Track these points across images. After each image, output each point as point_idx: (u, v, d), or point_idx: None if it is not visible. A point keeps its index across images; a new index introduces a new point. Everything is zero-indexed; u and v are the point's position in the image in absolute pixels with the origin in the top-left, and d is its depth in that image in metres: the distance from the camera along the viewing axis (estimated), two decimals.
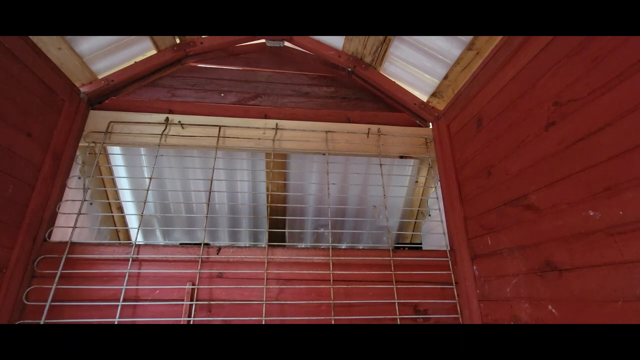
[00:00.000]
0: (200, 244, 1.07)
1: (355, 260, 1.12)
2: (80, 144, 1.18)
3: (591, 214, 0.65)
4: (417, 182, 1.83)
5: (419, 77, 1.34)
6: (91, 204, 1.55)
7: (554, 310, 0.73)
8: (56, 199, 1.09)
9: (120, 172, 1.61)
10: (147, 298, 0.99)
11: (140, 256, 1.03)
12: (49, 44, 1.04)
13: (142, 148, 1.58)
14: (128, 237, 1.91)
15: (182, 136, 1.25)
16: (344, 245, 2.02)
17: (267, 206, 1.27)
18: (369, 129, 1.36)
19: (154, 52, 1.34)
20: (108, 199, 1.71)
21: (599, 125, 0.64)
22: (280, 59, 1.54)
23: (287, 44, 1.50)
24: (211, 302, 1.01)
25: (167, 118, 1.26)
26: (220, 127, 1.28)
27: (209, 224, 1.94)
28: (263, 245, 1.11)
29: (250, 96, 1.43)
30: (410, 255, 1.15)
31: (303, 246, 1.79)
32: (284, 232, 1.99)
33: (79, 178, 1.20)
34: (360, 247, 2.04)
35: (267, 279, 1.06)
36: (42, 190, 1.02)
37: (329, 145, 1.32)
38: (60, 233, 1.10)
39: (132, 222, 1.88)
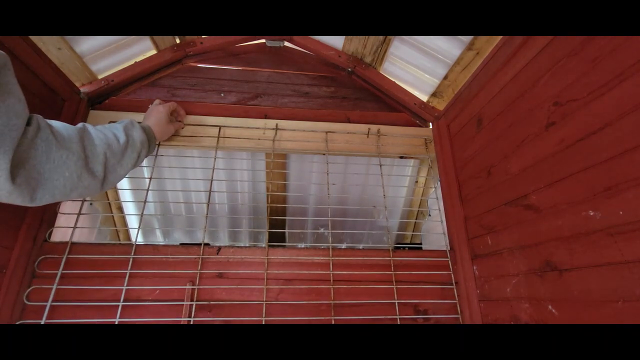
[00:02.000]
0: (200, 244, 1.07)
1: (356, 261, 1.12)
2: None
3: (591, 214, 0.65)
4: (417, 182, 1.83)
5: (419, 77, 1.35)
6: (91, 204, 1.55)
7: (554, 310, 0.73)
8: None
9: None
10: (147, 298, 0.99)
11: (140, 256, 1.03)
12: (49, 44, 1.04)
13: None
14: (128, 237, 1.91)
15: (182, 136, 1.25)
16: (344, 246, 2.02)
17: (267, 206, 1.27)
18: (369, 129, 1.36)
19: (154, 52, 1.34)
20: (108, 199, 1.71)
21: (599, 125, 0.64)
22: (280, 59, 1.54)
23: (287, 44, 1.50)
24: (211, 302, 1.01)
25: None
26: (220, 127, 1.28)
27: (209, 224, 1.94)
28: (263, 246, 1.11)
29: (250, 96, 1.43)
30: (410, 256, 1.15)
31: (303, 246, 1.79)
32: (284, 232, 1.99)
33: None
34: (361, 247, 2.05)
35: (267, 279, 1.06)
36: None
37: (329, 145, 1.32)
38: (61, 233, 1.10)
39: (132, 222, 1.88)
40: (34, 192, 0.60)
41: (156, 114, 1.09)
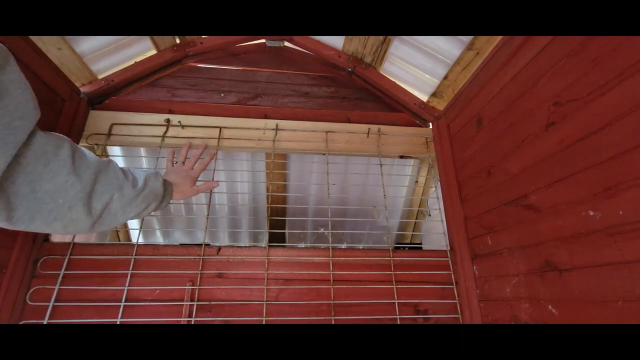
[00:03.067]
0: (200, 244, 1.07)
1: (356, 261, 1.12)
2: (80, 144, 1.18)
3: (591, 214, 0.65)
4: (417, 182, 1.83)
5: (419, 77, 1.35)
6: None
7: (554, 310, 0.73)
8: None
9: None
10: (148, 298, 0.99)
11: (141, 257, 1.03)
12: (49, 44, 1.04)
13: (142, 149, 1.58)
14: (128, 238, 1.91)
15: (182, 137, 1.25)
16: (344, 246, 2.02)
17: (267, 207, 1.27)
18: (369, 129, 1.36)
19: (154, 52, 1.34)
20: None
21: (599, 126, 0.64)
22: (280, 59, 1.54)
23: (287, 44, 1.50)
24: (211, 302, 1.01)
25: (168, 119, 1.27)
26: (220, 127, 1.28)
27: (209, 225, 1.94)
28: (263, 246, 1.11)
29: (250, 96, 1.43)
30: (410, 255, 1.15)
31: (303, 246, 1.80)
32: (284, 232, 1.99)
33: None
34: (361, 247, 2.05)
35: (267, 279, 1.06)
36: None
37: (329, 145, 1.32)
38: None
39: (132, 222, 1.88)
40: (14, 210, 0.52)
41: (183, 175, 0.99)
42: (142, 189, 0.74)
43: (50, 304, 0.93)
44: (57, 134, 0.58)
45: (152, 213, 0.82)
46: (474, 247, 1.07)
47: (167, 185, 0.86)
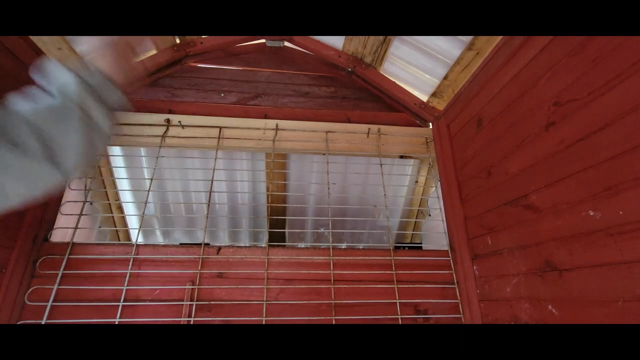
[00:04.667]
0: (200, 244, 1.07)
1: (356, 260, 1.12)
2: None
3: (591, 214, 0.65)
4: (417, 181, 1.83)
5: (419, 77, 1.34)
6: (92, 204, 1.55)
7: (554, 310, 0.73)
8: (57, 199, 1.09)
9: (121, 173, 1.61)
10: (147, 298, 0.99)
11: (140, 256, 1.03)
12: (49, 44, 1.04)
13: (142, 148, 1.58)
14: (128, 238, 1.91)
15: (182, 137, 1.25)
16: (344, 245, 2.02)
17: (267, 206, 1.27)
18: (369, 128, 1.36)
19: (153, 52, 1.33)
20: (109, 200, 1.71)
21: (599, 125, 0.64)
22: (280, 59, 1.54)
23: (287, 44, 1.50)
24: (211, 302, 1.01)
25: (168, 119, 1.27)
26: (220, 127, 1.28)
27: (209, 224, 1.94)
28: (263, 245, 1.11)
29: (250, 96, 1.43)
30: (410, 255, 1.15)
31: (303, 246, 1.79)
32: (284, 232, 1.99)
33: (80, 179, 1.20)
34: (361, 247, 2.05)
35: (267, 278, 1.06)
36: None
37: (329, 145, 1.31)
38: (61, 233, 1.10)
39: (133, 222, 1.88)
40: None
41: (109, 49, 0.61)
42: (61, 100, 0.47)
43: (49, 304, 0.93)
44: None
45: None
46: (474, 247, 1.06)
47: (96, 74, 0.53)
